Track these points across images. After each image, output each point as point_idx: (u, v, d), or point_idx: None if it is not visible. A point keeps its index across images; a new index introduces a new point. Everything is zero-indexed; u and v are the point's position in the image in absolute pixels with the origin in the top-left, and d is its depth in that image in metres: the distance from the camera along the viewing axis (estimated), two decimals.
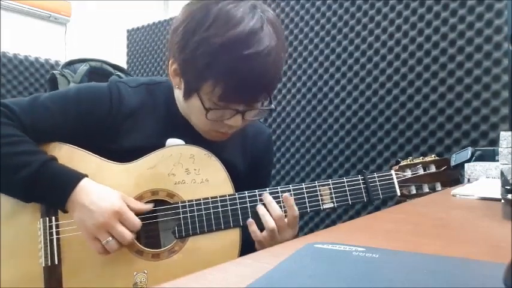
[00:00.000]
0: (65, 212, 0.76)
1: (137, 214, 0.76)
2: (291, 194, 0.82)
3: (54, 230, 0.76)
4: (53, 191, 0.75)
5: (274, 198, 0.81)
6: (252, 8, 0.75)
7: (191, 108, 0.81)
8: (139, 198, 0.78)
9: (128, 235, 0.73)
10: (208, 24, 0.72)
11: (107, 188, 0.76)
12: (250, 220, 0.79)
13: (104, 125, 0.81)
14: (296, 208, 0.80)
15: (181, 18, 0.77)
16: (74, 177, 0.75)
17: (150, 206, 0.78)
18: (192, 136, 0.84)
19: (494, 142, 1.19)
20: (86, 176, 0.76)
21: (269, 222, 0.78)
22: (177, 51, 0.77)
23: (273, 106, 0.84)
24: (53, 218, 0.77)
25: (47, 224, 0.76)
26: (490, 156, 0.92)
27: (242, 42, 0.71)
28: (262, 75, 0.75)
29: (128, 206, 0.75)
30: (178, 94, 0.85)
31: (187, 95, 0.80)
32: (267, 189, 0.82)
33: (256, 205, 0.81)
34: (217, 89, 0.74)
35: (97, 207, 0.72)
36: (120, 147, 0.81)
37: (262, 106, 0.82)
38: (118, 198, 0.75)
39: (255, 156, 0.96)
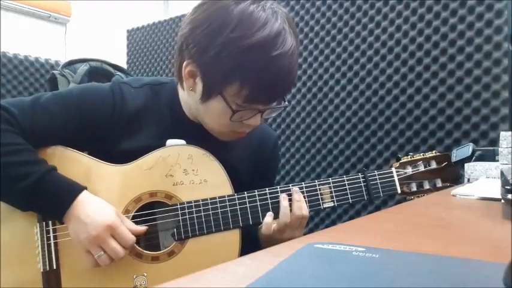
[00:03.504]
0: (62, 223, 0.75)
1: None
2: (290, 194, 0.82)
3: (51, 234, 0.76)
4: (51, 203, 0.74)
5: (274, 198, 0.82)
6: (272, 8, 0.75)
7: (209, 111, 0.80)
8: (137, 200, 0.78)
9: (119, 251, 0.72)
10: (233, 26, 0.71)
11: (103, 202, 0.75)
12: (270, 213, 0.81)
13: (106, 128, 0.81)
14: (306, 206, 0.82)
15: (199, 18, 0.75)
16: (73, 191, 0.74)
17: (143, 229, 0.77)
18: (196, 137, 0.83)
19: (494, 142, 1.19)
20: (85, 188, 0.75)
21: (284, 217, 0.80)
22: (197, 53, 0.75)
23: (287, 104, 0.85)
24: (50, 222, 0.76)
25: (44, 229, 0.76)
26: (490, 156, 0.92)
27: (270, 44, 0.72)
28: (288, 74, 0.76)
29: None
30: (187, 96, 0.84)
31: (206, 97, 0.78)
32: (267, 189, 0.82)
33: (255, 205, 0.80)
34: (244, 90, 0.74)
35: (91, 220, 0.72)
36: (123, 149, 0.81)
37: (278, 103, 0.83)
38: (112, 213, 0.74)
39: (260, 160, 0.95)
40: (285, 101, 0.83)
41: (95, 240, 0.72)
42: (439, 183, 0.89)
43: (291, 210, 0.80)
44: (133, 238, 0.74)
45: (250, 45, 0.71)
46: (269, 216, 0.80)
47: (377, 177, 0.86)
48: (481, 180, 0.86)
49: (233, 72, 0.73)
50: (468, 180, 0.91)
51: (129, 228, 0.75)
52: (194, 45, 0.76)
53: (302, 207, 0.81)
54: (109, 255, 0.72)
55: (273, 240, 0.79)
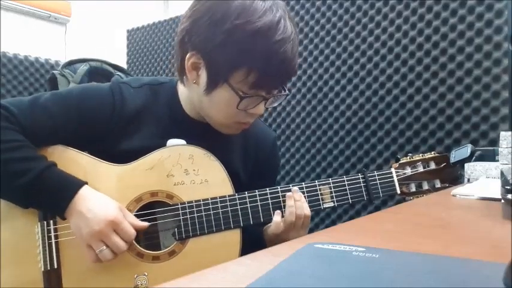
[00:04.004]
0: (63, 219, 0.76)
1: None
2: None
3: (52, 233, 0.76)
4: (52, 199, 0.74)
5: (274, 198, 0.82)
6: (272, 0, 0.76)
7: (215, 102, 0.80)
8: (138, 199, 0.78)
9: (122, 246, 0.72)
10: (237, 14, 0.73)
11: (105, 196, 0.75)
12: (279, 211, 0.81)
13: (106, 128, 0.81)
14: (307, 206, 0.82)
15: (201, 10, 0.76)
16: (74, 185, 0.74)
17: (146, 224, 0.77)
18: (196, 136, 0.83)
19: (494, 142, 1.19)
20: (86, 183, 0.75)
21: (290, 216, 0.80)
22: (202, 43, 0.76)
23: (287, 92, 0.85)
24: (51, 221, 0.76)
25: (45, 228, 0.76)
26: (490, 156, 0.92)
27: (274, 29, 0.74)
28: (292, 58, 0.77)
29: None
30: (189, 91, 0.85)
31: (211, 87, 0.78)
32: (267, 189, 0.82)
33: (256, 205, 0.81)
34: (251, 76, 0.75)
35: (93, 215, 0.72)
36: (123, 149, 0.81)
37: (279, 92, 0.83)
38: (115, 208, 0.74)
39: (260, 160, 0.95)
40: (285, 90, 0.84)
41: (98, 235, 0.72)
42: (438, 184, 0.89)
43: (296, 211, 0.81)
44: (135, 233, 0.74)
45: (255, 31, 0.72)
46: (278, 215, 0.81)
47: (377, 177, 0.86)
48: (481, 180, 0.86)
49: (239, 59, 0.74)
50: (468, 180, 0.91)
51: (132, 223, 0.75)
52: (197, 36, 0.76)
53: (303, 207, 0.81)
54: (111, 249, 0.72)
55: (279, 240, 0.80)
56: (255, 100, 0.79)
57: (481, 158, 0.92)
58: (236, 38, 0.73)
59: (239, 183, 0.83)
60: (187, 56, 0.79)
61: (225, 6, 0.74)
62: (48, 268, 0.75)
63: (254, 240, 0.84)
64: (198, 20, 0.76)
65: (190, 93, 0.85)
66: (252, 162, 0.94)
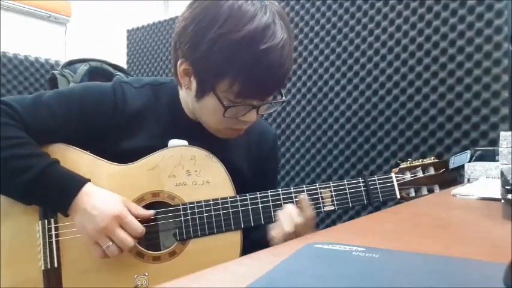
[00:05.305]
0: (66, 216, 0.75)
1: (139, 219, 0.76)
2: (293, 196, 0.82)
3: (53, 232, 0.76)
4: (55, 196, 0.74)
5: (275, 200, 0.81)
6: (261, 2, 0.74)
7: (204, 108, 0.80)
8: (140, 199, 0.78)
9: (128, 241, 0.73)
10: (223, 21, 0.71)
11: (109, 192, 0.75)
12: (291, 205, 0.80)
13: (107, 127, 0.81)
14: (312, 208, 0.81)
15: (190, 16, 0.76)
16: (77, 182, 0.75)
17: (151, 213, 0.77)
18: (197, 137, 0.83)
19: (494, 142, 1.19)
20: (89, 180, 0.76)
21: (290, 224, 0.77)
22: (189, 51, 0.76)
23: (285, 98, 0.84)
24: (52, 220, 0.76)
25: (46, 226, 0.76)
26: (490, 156, 0.91)
27: (259, 37, 0.71)
28: (279, 68, 0.75)
29: (129, 211, 0.75)
30: (185, 95, 0.85)
31: (200, 94, 0.78)
32: (269, 191, 0.82)
33: (257, 207, 0.81)
34: (236, 85, 0.73)
35: (98, 211, 0.72)
36: (124, 149, 0.81)
37: (274, 99, 0.82)
38: (119, 203, 0.74)
39: (260, 157, 0.95)
40: (282, 96, 0.83)
41: (103, 231, 0.72)
42: (436, 189, 0.89)
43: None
44: (141, 227, 0.74)
45: (238, 40, 0.71)
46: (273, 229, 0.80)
47: (377, 182, 0.86)
48: (481, 180, 0.86)
49: (223, 68, 0.73)
50: (468, 180, 0.91)
51: (137, 214, 0.75)
52: (186, 43, 0.76)
53: (290, 222, 0.77)
54: (118, 245, 0.72)
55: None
56: (244, 108, 0.78)
57: (481, 158, 0.92)
58: (219, 48, 0.72)
59: (242, 182, 0.83)
60: (179, 62, 0.79)
61: (213, 12, 0.72)
62: (49, 267, 0.75)
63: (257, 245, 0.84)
64: (187, 27, 0.76)
65: (186, 97, 0.85)
66: (254, 159, 0.94)
